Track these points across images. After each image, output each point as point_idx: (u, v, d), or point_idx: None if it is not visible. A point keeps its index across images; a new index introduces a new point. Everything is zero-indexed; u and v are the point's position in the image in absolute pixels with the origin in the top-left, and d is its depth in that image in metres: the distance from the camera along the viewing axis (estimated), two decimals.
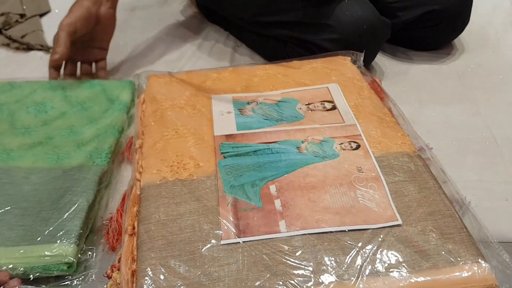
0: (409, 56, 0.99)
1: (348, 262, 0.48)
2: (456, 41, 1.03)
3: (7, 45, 1.04)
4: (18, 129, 0.74)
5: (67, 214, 0.58)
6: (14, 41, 1.03)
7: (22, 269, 0.53)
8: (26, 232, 0.56)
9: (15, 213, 0.59)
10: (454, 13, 0.94)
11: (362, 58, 0.78)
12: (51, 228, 0.56)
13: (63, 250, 0.54)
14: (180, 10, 1.18)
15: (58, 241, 0.54)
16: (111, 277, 0.51)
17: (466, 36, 1.03)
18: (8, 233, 0.56)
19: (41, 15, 1.15)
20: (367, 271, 0.47)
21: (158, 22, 1.14)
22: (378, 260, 0.48)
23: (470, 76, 0.94)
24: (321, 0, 0.88)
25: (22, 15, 1.11)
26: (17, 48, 1.02)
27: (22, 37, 1.04)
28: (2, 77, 0.91)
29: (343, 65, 0.77)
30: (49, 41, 1.04)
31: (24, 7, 1.13)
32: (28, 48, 1.02)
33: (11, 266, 0.53)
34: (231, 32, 1.07)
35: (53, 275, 0.54)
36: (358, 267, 0.47)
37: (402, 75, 0.94)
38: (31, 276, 0.53)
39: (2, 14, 1.08)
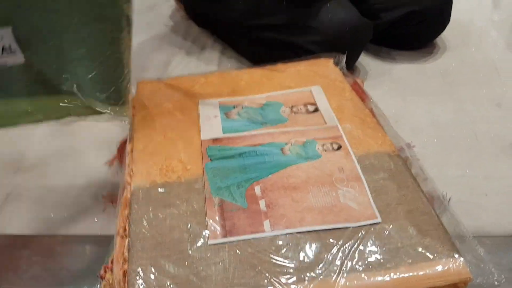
0: (392, 56, 1.02)
1: (330, 259, 0.50)
2: (438, 39, 1.05)
3: None
4: None
5: None
6: None
7: None
8: None
9: None
10: (434, 13, 0.96)
11: (344, 60, 0.80)
12: None
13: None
14: (169, 15, 1.20)
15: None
16: (104, 278, 0.52)
17: (448, 35, 1.05)
18: None
19: None
20: (348, 268, 0.49)
21: (146, 26, 1.16)
22: (358, 257, 0.49)
23: (452, 73, 0.97)
24: (303, 2, 0.90)
25: None
26: None
27: None
28: None
29: (326, 67, 0.79)
30: None
31: None
32: None
33: None
34: (218, 36, 1.09)
35: None
36: (339, 263, 0.49)
37: (385, 74, 0.96)
38: None
39: None
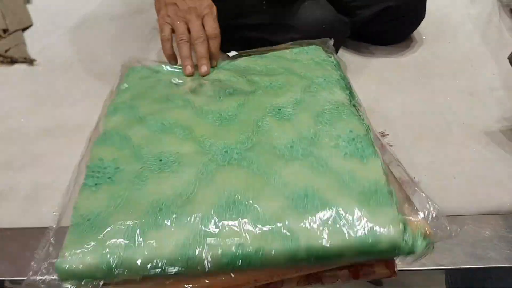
0: (370, 50, 1.05)
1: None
2: (415, 33, 1.09)
3: None
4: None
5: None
6: None
7: None
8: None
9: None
10: (409, 9, 1.00)
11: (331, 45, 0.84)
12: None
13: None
14: (156, 19, 1.24)
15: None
16: None
17: (424, 29, 1.09)
18: None
19: (24, 29, 1.21)
20: None
21: (136, 30, 1.20)
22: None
23: (427, 66, 1.00)
24: (282, 1, 0.94)
25: (5, 30, 1.16)
26: (1, 62, 1.08)
27: (6, 51, 1.09)
28: None
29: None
30: (32, 53, 1.10)
31: (7, 22, 1.19)
32: (12, 61, 1.08)
33: None
34: None
35: None
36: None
37: (363, 68, 1.00)
38: None
39: None
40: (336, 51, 0.98)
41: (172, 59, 0.83)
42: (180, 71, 0.78)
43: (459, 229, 0.51)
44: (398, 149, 0.77)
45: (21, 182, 0.76)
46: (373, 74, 0.99)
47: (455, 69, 0.99)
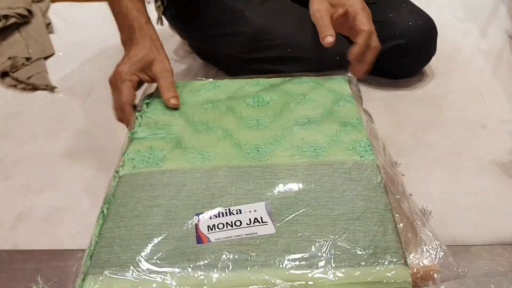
0: (382, 84, 1.07)
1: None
2: (427, 68, 1.11)
3: (14, 86, 1.13)
4: (248, 122, 0.72)
5: (375, 226, 0.53)
6: (21, 82, 1.12)
7: None
8: (334, 250, 0.51)
9: (306, 222, 0.54)
10: (419, 46, 1.02)
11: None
12: (367, 244, 0.51)
13: (397, 273, 0.49)
14: (173, 50, 1.28)
15: (385, 262, 0.50)
16: None
17: (436, 63, 1.11)
18: (313, 250, 0.51)
19: (46, 58, 1.25)
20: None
21: None
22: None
23: (438, 99, 1.02)
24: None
25: (28, 59, 1.20)
26: (24, 89, 1.12)
27: (28, 78, 1.13)
28: (10, 115, 1.00)
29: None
30: (53, 81, 1.14)
31: (30, 51, 1.23)
32: (34, 88, 1.11)
33: None
34: (220, 68, 1.16)
35: None
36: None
37: (376, 100, 1.02)
38: None
39: (10, 58, 1.18)
40: None
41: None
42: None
43: (466, 270, 0.52)
44: (410, 179, 0.78)
45: (39, 204, 0.78)
46: (385, 107, 1.00)
47: (466, 102, 1.01)
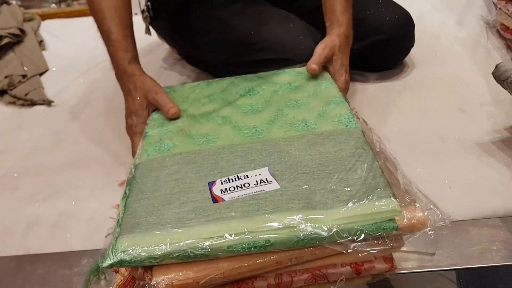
0: (365, 77, 1.12)
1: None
2: (407, 59, 1.15)
3: (13, 103, 1.17)
4: (243, 108, 0.81)
5: (364, 173, 0.60)
6: (19, 99, 1.17)
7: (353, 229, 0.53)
8: (332, 194, 0.58)
9: (305, 178, 0.62)
10: (397, 40, 1.07)
11: None
12: (360, 187, 0.58)
13: (387, 203, 0.55)
14: (163, 58, 1.32)
15: (375, 196, 0.56)
16: (118, 272, 0.61)
17: (416, 54, 1.16)
18: (314, 197, 0.58)
19: (41, 74, 1.29)
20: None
21: (145, 69, 1.26)
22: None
23: (419, 87, 1.06)
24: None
25: (23, 76, 1.25)
26: (22, 105, 1.16)
27: (26, 94, 1.17)
28: (11, 131, 1.04)
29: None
30: (50, 96, 1.18)
31: (25, 69, 1.27)
32: (32, 103, 1.16)
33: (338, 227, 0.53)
34: (210, 73, 1.20)
35: (380, 235, 0.54)
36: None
37: (359, 93, 1.06)
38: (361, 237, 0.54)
39: (6, 77, 1.22)
40: None
41: None
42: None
43: (451, 217, 0.57)
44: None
45: (47, 212, 0.82)
46: (368, 98, 1.04)
47: (446, 89, 1.05)
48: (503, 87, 0.84)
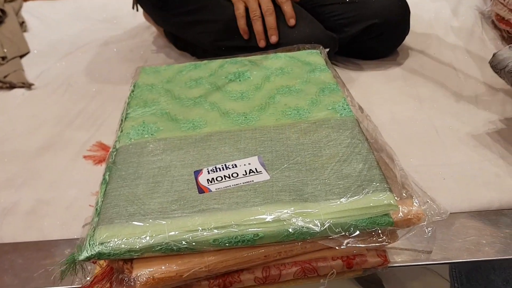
0: (359, 65, 1.09)
1: None
2: (401, 47, 1.13)
3: None
4: (232, 95, 0.76)
5: (359, 165, 0.58)
6: None
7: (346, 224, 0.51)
8: (325, 187, 0.56)
9: (297, 168, 0.59)
10: (393, 25, 1.05)
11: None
12: (354, 180, 0.56)
13: (383, 197, 0.53)
14: (151, 41, 1.28)
15: (371, 190, 0.54)
16: (95, 262, 0.58)
17: (410, 42, 1.13)
18: (306, 189, 0.56)
19: (21, 56, 1.24)
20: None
21: (130, 52, 1.24)
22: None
23: (414, 77, 1.04)
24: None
25: (3, 58, 1.20)
26: (1, 87, 1.11)
27: (5, 77, 1.12)
28: None
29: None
30: (30, 78, 1.13)
31: (5, 50, 1.22)
32: (11, 86, 1.11)
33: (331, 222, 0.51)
34: (197, 57, 1.17)
35: (376, 229, 0.52)
36: None
37: (352, 81, 1.03)
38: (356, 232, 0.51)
39: None
40: None
41: (246, 33, 1.01)
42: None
43: (448, 211, 0.55)
44: None
45: (23, 198, 0.78)
46: (362, 87, 1.02)
47: (441, 79, 1.03)
48: (500, 77, 0.81)
